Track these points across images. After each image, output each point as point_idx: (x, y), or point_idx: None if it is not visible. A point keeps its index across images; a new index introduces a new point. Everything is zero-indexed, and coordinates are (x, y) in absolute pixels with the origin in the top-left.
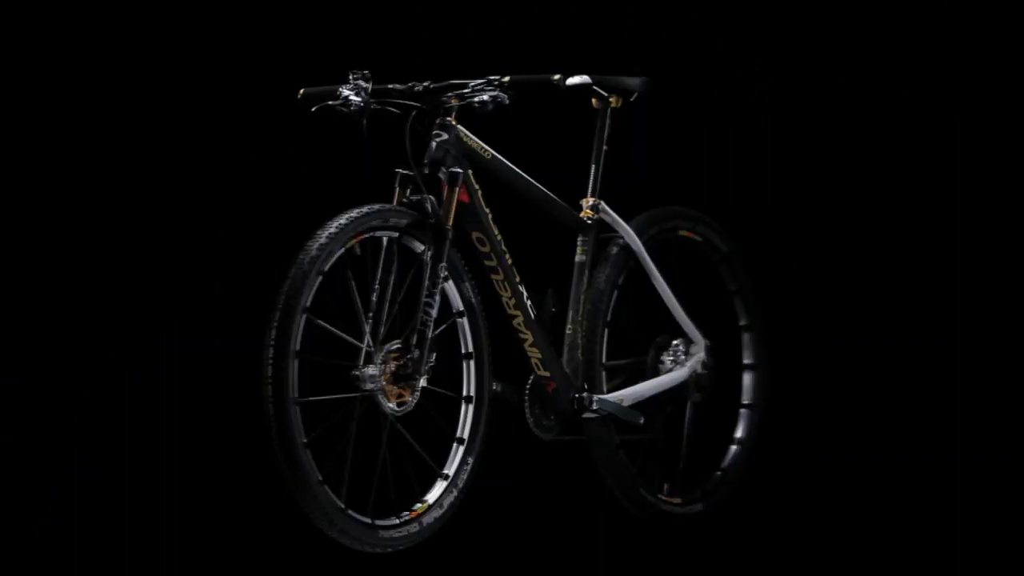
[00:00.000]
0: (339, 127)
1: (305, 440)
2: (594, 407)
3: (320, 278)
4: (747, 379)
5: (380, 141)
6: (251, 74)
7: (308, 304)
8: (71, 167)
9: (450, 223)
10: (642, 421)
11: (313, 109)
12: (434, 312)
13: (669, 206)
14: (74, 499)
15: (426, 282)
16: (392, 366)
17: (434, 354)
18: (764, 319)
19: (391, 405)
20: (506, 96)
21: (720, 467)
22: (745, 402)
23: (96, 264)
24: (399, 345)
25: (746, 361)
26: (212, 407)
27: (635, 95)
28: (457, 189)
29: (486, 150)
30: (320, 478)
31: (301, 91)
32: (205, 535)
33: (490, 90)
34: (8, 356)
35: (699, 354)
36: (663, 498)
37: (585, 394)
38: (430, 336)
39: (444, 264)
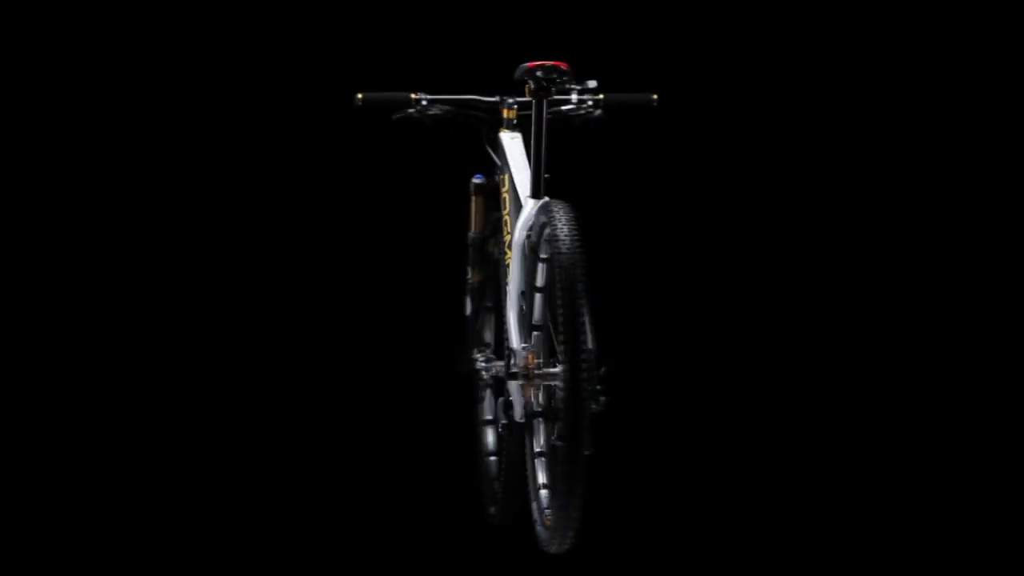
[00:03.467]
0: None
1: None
2: None
3: None
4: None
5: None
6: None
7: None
8: (71, 167)
9: (472, 229)
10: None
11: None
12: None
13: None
14: (74, 499)
15: None
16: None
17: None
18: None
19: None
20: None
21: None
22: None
23: (97, 264)
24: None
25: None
26: (210, 406)
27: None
28: (474, 197)
29: (516, 158)
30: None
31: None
32: (203, 535)
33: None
34: (8, 356)
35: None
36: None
37: None
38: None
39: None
